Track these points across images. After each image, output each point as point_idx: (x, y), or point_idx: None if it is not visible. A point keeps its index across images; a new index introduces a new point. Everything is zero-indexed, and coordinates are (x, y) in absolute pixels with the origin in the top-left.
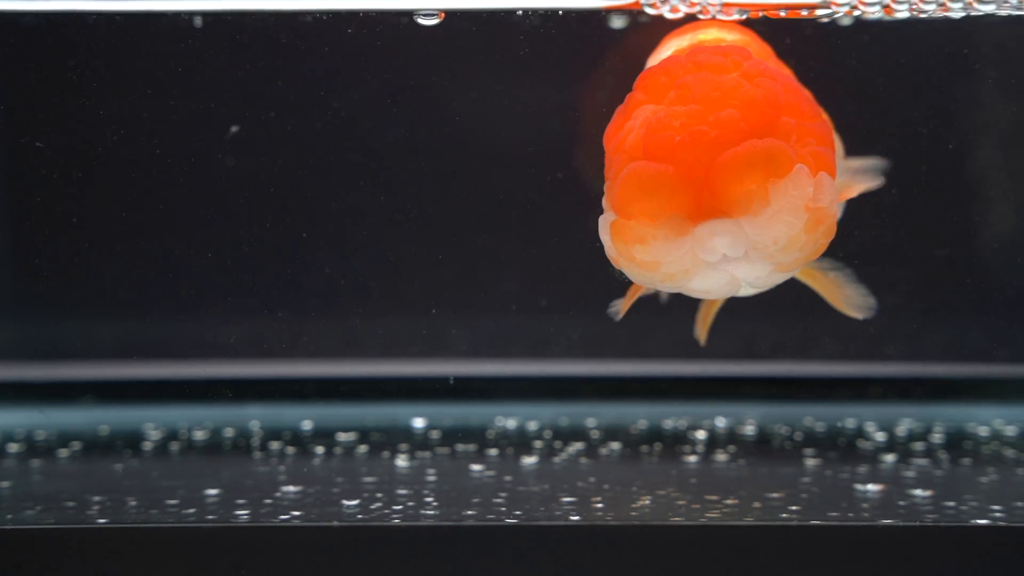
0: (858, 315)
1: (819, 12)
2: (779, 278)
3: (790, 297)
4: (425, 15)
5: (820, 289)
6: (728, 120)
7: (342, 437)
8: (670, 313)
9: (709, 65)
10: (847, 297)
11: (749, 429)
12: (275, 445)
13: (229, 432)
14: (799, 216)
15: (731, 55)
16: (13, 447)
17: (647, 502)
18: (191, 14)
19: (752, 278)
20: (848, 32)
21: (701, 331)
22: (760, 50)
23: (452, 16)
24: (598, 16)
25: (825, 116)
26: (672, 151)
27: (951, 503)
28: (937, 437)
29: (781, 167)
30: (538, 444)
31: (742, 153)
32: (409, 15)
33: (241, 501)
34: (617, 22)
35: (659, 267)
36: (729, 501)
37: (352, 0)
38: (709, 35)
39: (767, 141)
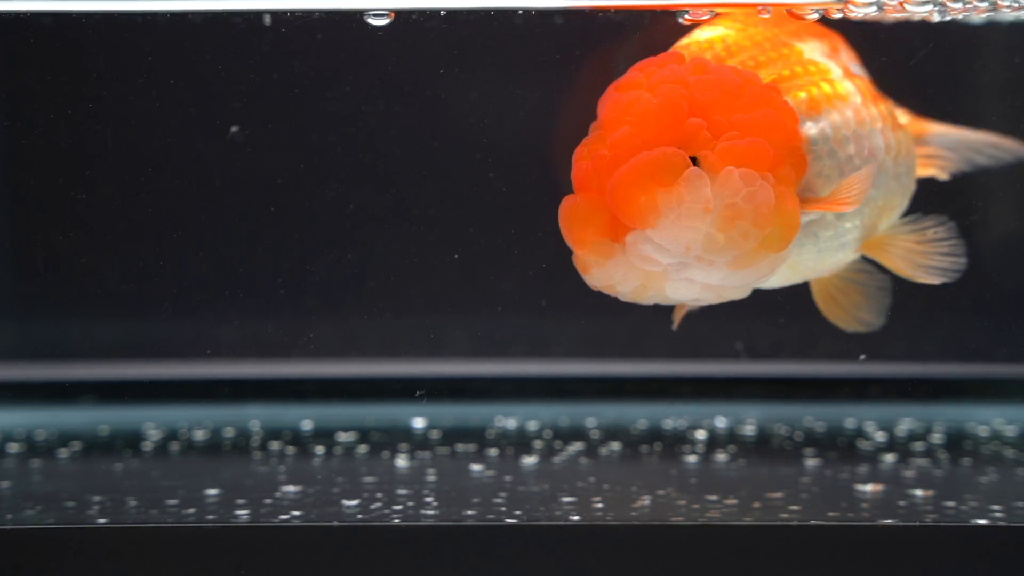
0: (936, 280)
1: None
2: (753, 276)
3: (791, 297)
4: (375, 15)
5: (888, 261)
6: (621, 138)
7: (342, 437)
8: (670, 313)
9: (624, 84)
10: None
11: (749, 429)
12: (275, 445)
13: (229, 432)
14: (699, 218)
15: (655, 65)
16: (13, 447)
17: (647, 502)
18: (191, 14)
19: (712, 282)
20: (845, 28)
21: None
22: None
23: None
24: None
25: (774, 104)
26: (585, 179)
27: (951, 503)
28: (937, 437)
29: (668, 175)
30: (538, 444)
31: (627, 170)
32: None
33: (241, 501)
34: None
35: (615, 288)
36: (729, 501)
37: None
38: (701, 36)
39: (655, 152)
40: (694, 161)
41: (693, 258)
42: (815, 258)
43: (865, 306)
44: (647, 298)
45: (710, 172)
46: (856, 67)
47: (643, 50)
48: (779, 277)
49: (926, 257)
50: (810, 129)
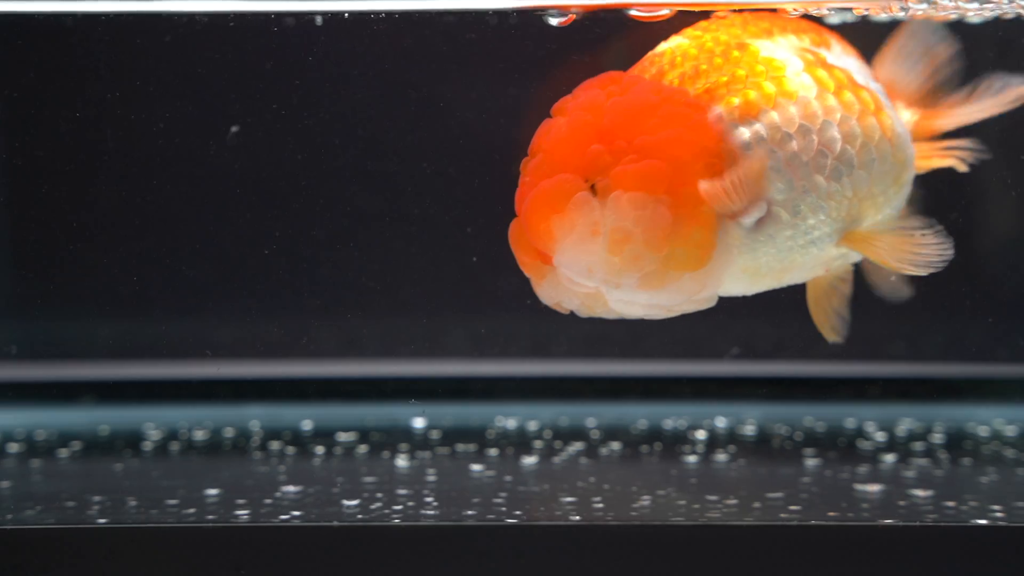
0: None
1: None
2: (681, 294)
3: (791, 297)
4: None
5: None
6: (535, 165)
7: (342, 437)
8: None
9: (554, 109)
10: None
11: (749, 429)
12: (275, 445)
13: (229, 432)
14: (591, 242)
15: (584, 89)
16: (13, 447)
17: (647, 502)
18: (191, 14)
19: (640, 301)
20: (845, 28)
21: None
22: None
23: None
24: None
25: (684, 122)
26: (516, 204)
27: (951, 503)
28: (937, 437)
29: (560, 201)
30: (538, 444)
31: (531, 197)
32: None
33: (241, 501)
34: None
35: (562, 305)
36: (729, 501)
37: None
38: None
39: (552, 179)
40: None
41: (600, 281)
42: (780, 259)
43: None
44: (599, 314)
45: (602, 197)
46: (842, 57)
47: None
48: (750, 282)
49: (911, 253)
50: (742, 134)
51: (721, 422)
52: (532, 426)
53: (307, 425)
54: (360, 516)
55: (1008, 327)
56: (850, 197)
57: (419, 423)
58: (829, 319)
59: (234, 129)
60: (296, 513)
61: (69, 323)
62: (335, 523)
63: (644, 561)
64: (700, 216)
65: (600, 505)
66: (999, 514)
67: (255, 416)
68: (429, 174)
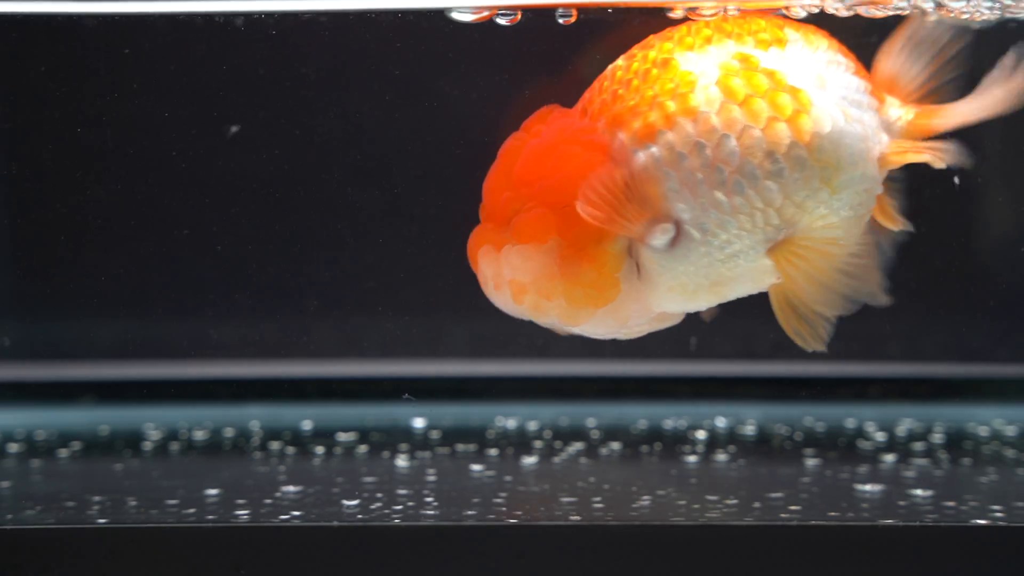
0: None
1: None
2: (609, 325)
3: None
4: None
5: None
6: (480, 210)
7: (342, 437)
8: None
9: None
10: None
11: (749, 429)
12: (275, 445)
13: (229, 432)
14: (499, 292)
15: (522, 127)
16: (13, 447)
17: (647, 502)
18: (191, 14)
19: (580, 332)
20: (843, 24)
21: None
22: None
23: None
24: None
25: (576, 162)
26: None
27: (951, 503)
28: (937, 437)
29: (472, 254)
30: (538, 444)
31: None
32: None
33: (241, 501)
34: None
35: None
36: (729, 501)
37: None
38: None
39: (475, 230)
40: None
41: (529, 319)
42: (705, 275)
43: (825, 319)
44: (572, 333)
45: (500, 250)
46: (794, 54)
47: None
48: (685, 300)
49: (832, 279)
50: (639, 159)
51: (721, 422)
52: (532, 426)
53: (307, 425)
54: (360, 516)
55: (1008, 327)
56: (762, 208)
57: (419, 423)
58: (802, 327)
59: (234, 129)
60: (296, 513)
61: (69, 323)
62: (335, 523)
63: (644, 561)
64: (593, 256)
65: (600, 505)
66: (999, 514)
67: (255, 416)
68: (429, 173)
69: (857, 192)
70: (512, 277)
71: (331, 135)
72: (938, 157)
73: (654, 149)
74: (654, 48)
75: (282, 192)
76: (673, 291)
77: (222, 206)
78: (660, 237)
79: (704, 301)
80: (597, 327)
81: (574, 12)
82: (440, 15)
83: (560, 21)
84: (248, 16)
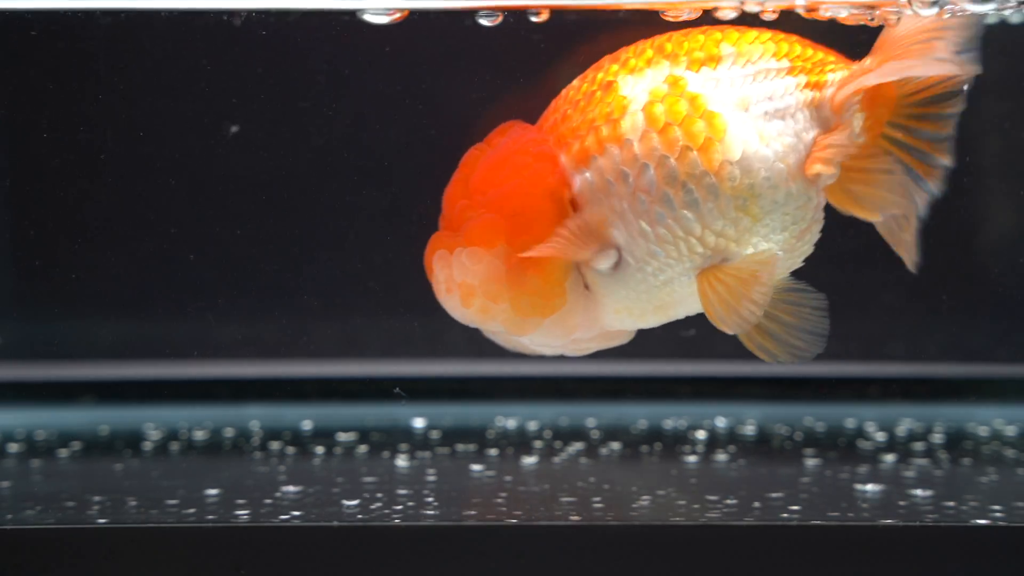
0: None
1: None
2: (558, 336)
3: None
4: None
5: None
6: (440, 218)
7: (342, 437)
8: None
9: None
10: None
11: (749, 429)
12: (275, 445)
13: (229, 432)
14: (450, 296)
15: (482, 146)
16: (13, 447)
17: (647, 502)
18: (191, 14)
19: (526, 343)
20: (843, 27)
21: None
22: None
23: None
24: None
25: (525, 174)
26: None
27: (951, 503)
28: (937, 437)
29: (428, 260)
30: (538, 444)
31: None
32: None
33: (241, 501)
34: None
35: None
36: (729, 501)
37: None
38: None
39: (434, 234)
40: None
41: (477, 327)
42: (648, 299)
43: (797, 330)
44: (521, 346)
45: (452, 252)
46: (724, 72)
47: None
48: (635, 319)
49: (741, 306)
50: (577, 182)
51: (721, 422)
52: (532, 426)
53: (307, 425)
54: (360, 516)
55: (1008, 327)
56: (684, 237)
57: (419, 423)
58: (767, 345)
59: (234, 129)
60: (296, 513)
61: (69, 323)
62: (335, 523)
63: (644, 561)
64: (540, 264)
65: (600, 505)
66: (999, 514)
67: (255, 416)
68: (429, 173)
69: (786, 213)
70: (461, 279)
71: (332, 135)
72: (826, 162)
73: (588, 174)
74: (603, 69)
75: (282, 192)
76: (620, 312)
77: (222, 206)
78: (604, 261)
79: (652, 320)
80: (544, 338)
81: (545, 11)
82: (352, 15)
83: (532, 19)
84: (248, 12)
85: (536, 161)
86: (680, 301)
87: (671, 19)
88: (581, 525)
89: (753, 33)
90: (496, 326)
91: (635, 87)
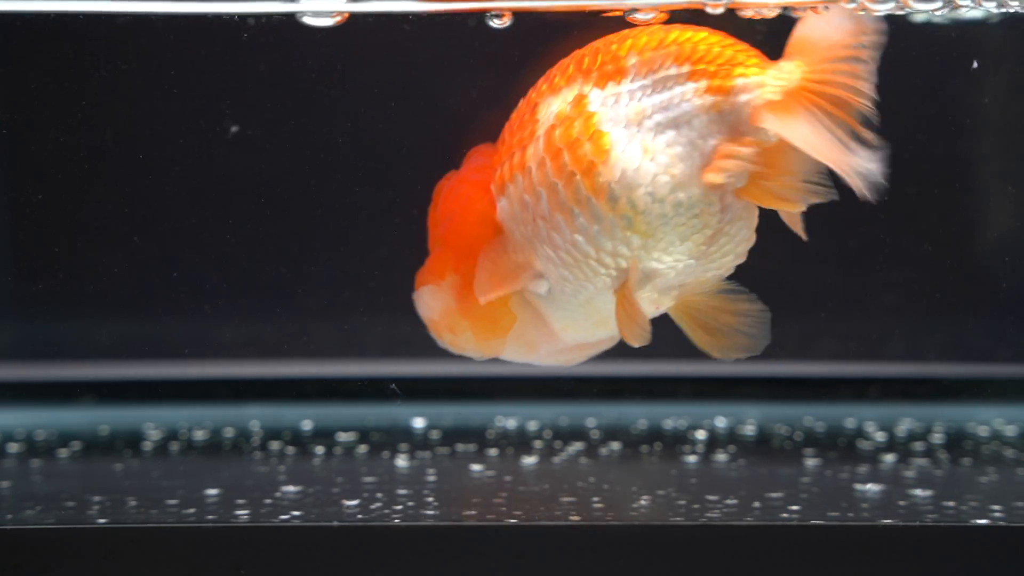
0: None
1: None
2: (528, 355)
3: (791, 297)
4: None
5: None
6: None
7: (342, 437)
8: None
9: None
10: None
11: (749, 429)
12: (275, 445)
13: (229, 432)
14: (428, 330)
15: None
16: (13, 447)
17: (647, 502)
18: (191, 15)
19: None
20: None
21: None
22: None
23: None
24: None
25: (461, 205)
26: None
27: (951, 503)
28: (937, 437)
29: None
30: (538, 444)
31: None
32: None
33: (241, 501)
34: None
35: None
36: (729, 501)
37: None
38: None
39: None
40: None
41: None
42: (584, 315)
43: (740, 327)
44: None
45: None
46: (624, 87)
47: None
48: (589, 331)
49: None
50: (499, 209)
51: (721, 422)
52: (532, 426)
53: (307, 425)
54: (360, 516)
55: (1008, 327)
56: (583, 260)
57: (419, 423)
58: (716, 339)
59: (234, 129)
60: (296, 513)
61: (69, 323)
62: (335, 523)
63: (644, 561)
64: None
65: (600, 505)
66: (999, 514)
67: (255, 416)
68: (430, 173)
69: (681, 224)
70: (427, 316)
71: (333, 135)
72: (719, 172)
73: (504, 202)
74: (536, 90)
75: (282, 192)
76: (565, 328)
77: (222, 206)
78: (537, 286)
79: (601, 333)
80: (514, 356)
81: (507, 13)
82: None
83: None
84: (244, 16)
85: (473, 190)
86: (600, 319)
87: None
88: (581, 525)
89: (662, 35)
90: (469, 352)
91: (548, 108)
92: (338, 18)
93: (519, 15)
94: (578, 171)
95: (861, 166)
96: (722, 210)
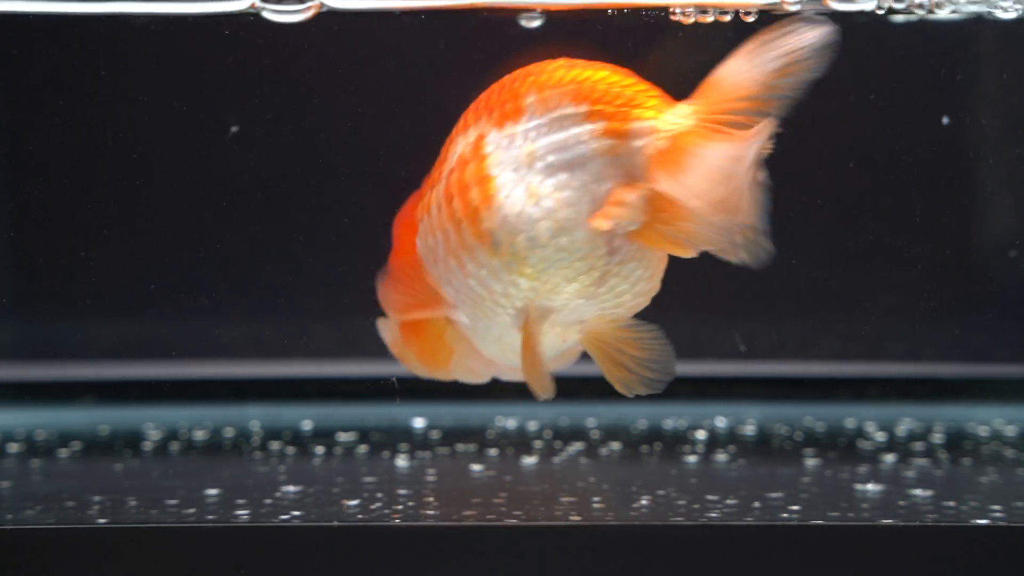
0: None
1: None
2: (466, 377)
3: (791, 298)
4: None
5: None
6: None
7: (342, 437)
8: (669, 313)
9: None
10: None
11: (749, 429)
12: (275, 445)
13: (229, 432)
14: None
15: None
16: (13, 447)
17: (647, 502)
18: (191, 15)
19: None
20: (845, 29)
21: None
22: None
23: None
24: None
25: (400, 246)
26: None
27: (951, 503)
28: (937, 437)
29: None
30: (538, 444)
31: None
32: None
33: (241, 501)
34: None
35: None
36: (729, 501)
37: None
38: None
39: None
40: None
41: None
42: (506, 343)
43: (644, 362)
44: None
45: None
46: (520, 126)
47: None
48: (512, 359)
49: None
50: (418, 244)
51: (721, 422)
52: (532, 426)
53: (307, 425)
54: (360, 516)
55: (1008, 327)
56: (480, 300)
57: (419, 423)
58: (621, 373)
59: (234, 129)
60: (296, 513)
61: (69, 323)
62: (335, 523)
63: (644, 561)
64: (417, 326)
65: (600, 505)
66: (999, 514)
67: (255, 416)
68: (430, 173)
69: (568, 266)
70: (389, 347)
71: (333, 134)
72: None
73: (419, 240)
74: (458, 124)
75: (282, 192)
76: (495, 356)
77: (222, 206)
78: (458, 315)
79: (560, 347)
80: (466, 379)
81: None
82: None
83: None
84: (241, 16)
85: (403, 229)
86: (509, 352)
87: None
88: (581, 525)
89: (563, 73)
90: (428, 376)
91: (455, 148)
92: (309, 13)
93: (550, 15)
94: (465, 218)
95: (733, 238)
96: (610, 253)
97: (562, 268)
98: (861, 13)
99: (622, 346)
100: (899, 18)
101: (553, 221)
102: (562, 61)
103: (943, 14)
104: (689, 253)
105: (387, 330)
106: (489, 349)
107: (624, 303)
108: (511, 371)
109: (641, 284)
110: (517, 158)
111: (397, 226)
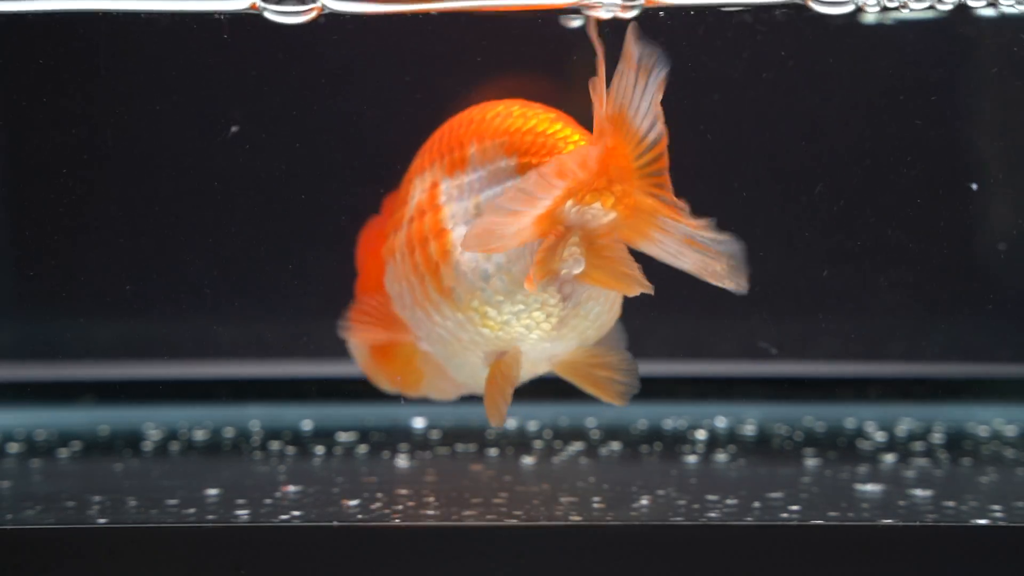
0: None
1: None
2: (438, 396)
3: (790, 298)
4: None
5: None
6: None
7: (342, 437)
8: (669, 313)
9: None
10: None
11: (749, 429)
12: (275, 445)
13: (229, 432)
14: None
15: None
16: (13, 447)
17: (647, 502)
18: (192, 15)
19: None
20: (847, 29)
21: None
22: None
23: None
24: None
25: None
26: None
27: (951, 503)
28: (937, 437)
29: None
30: (538, 444)
31: None
32: None
33: (241, 501)
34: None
35: None
36: (729, 501)
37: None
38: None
39: None
40: None
41: None
42: (475, 369)
43: (613, 380)
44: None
45: None
46: (466, 181)
47: None
48: (479, 383)
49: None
50: (386, 283)
51: (721, 422)
52: (532, 426)
53: (307, 425)
54: (360, 516)
55: (1008, 327)
56: (448, 342)
57: (419, 423)
58: (598, 389)
59: (234, 129)
60: (296, 513)
61: (69, 323)
62: (335, 523)
63: (644, 561)
64: (387, 350)
65: (600, 505)
66: (999, 514)
67: (255, 416)
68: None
69: (526, 318)
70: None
71: (333, 134)
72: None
73: (386, 281)
74: (415, 162)
75: (282, 192)
76: (467, 382)
77: (222, 206)
78: (421, 343)
79: (533, 371)
80: (435, 397)
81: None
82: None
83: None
84: (242, 16)
85: (367, 257)
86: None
87: None
88: (581, 525)
89: (499, 121)
90: (404, 393)
91: (415, 191)
92: (312, 15)
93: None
94: (427, 273)
95: (714, 268)
96: (564, 299)
97: (523, 319)
98: (861, 10)
99: (592, 368)
100: (899, 13)
101: (507, 274)
102: (500, 107)
103: (943, 8)
104: (632, 292)
105: (357, 350)
106: (460, 377)
107: (589, 337)
108: (482, 390)
109: (603, 317)
110: (467, 210)
111: (361, 254)
